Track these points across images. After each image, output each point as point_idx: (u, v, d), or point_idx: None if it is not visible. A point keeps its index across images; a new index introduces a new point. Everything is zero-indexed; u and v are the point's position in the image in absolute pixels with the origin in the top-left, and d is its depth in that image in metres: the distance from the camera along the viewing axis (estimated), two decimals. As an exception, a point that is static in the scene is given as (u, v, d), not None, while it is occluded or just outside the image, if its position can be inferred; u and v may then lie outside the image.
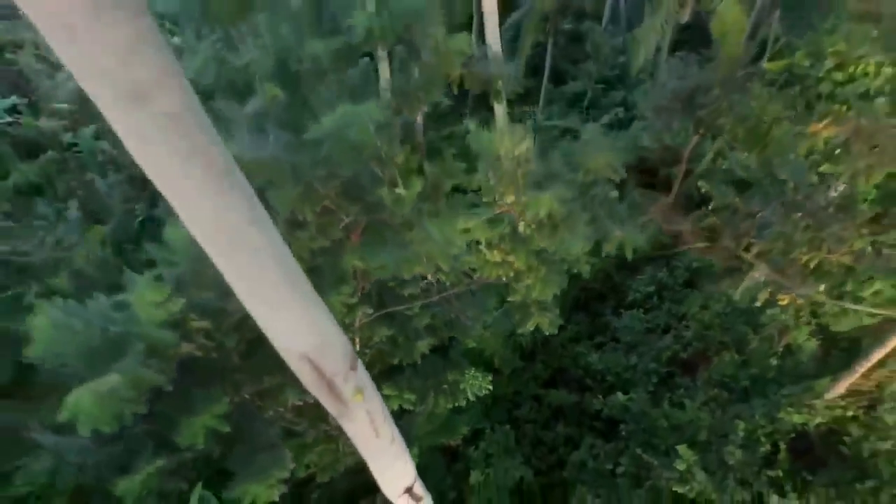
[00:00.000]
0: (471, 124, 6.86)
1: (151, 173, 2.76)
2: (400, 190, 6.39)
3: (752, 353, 10.57)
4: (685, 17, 25.77)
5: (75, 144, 16.33)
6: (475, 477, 11.95)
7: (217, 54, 9.21)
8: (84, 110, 17.28)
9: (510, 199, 6.50)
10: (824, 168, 8.75)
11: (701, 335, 14.21)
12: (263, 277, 3.35)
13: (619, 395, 10.80)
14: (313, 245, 6.65)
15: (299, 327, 3.77)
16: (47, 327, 4.92)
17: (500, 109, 15.14)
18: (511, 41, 28.81)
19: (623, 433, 10.66)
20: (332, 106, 6.28)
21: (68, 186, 13.42)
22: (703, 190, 15.25)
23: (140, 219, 11.75)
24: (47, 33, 2.18)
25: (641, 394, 11.24)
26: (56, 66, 19.13)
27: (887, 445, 7.89)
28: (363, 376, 4.47)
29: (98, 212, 12.21)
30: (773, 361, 10.08)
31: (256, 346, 6.20)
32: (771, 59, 16.55)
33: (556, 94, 35.96)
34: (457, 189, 8.05)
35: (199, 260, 5.42)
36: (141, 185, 12.76)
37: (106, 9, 2.12)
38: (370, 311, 7.62)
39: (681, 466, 8.31)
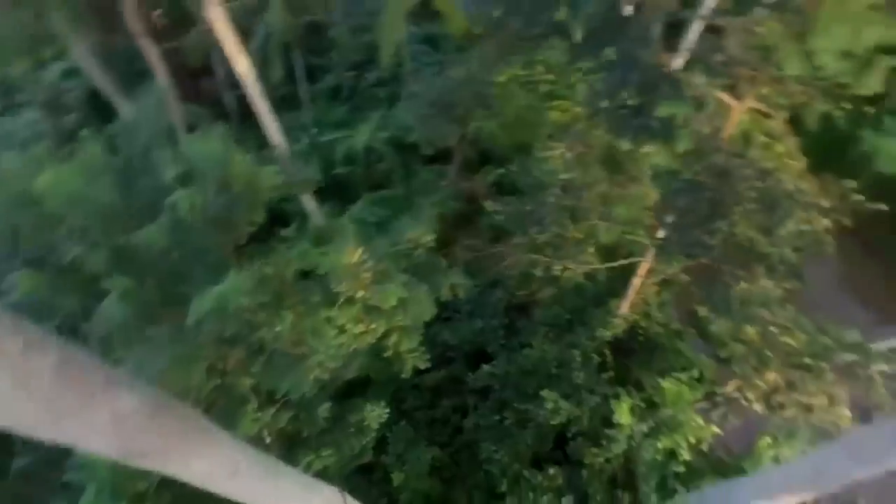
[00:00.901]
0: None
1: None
2: (278, 327, 7.44)
3: (565, 290, 13.57)
4: None
5: None
6: (397, 478, 13.49)
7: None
8: None
9: (360, 293, 7.87)
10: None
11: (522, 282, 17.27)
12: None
13: (484, 367, 13.04)
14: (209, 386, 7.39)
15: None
16: None
17: (310, 204, 15.99)
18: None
19: (497, 392, 13.02)
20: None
21: None
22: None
23: None
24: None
25: (500, 359, 13.64)
26: None
27: (660, 331, 11.56)
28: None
29: None
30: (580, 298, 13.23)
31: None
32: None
33: (315, 92, 36.50)
34: (305, 275, 9.17)
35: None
36: None
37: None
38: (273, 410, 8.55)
39: (549, 406, 10.89)
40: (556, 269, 10.92)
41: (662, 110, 6.63)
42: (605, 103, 5.90)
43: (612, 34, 6.90)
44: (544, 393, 10.83)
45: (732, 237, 7.60)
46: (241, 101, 23.35)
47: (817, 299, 9.59)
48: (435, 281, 8.37)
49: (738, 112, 7.51)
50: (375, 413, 10.79)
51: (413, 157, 25.44)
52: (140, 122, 8.00)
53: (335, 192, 26.21)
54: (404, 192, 23.94)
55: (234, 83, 22.60)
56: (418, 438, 14.24)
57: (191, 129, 25.81)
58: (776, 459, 10.11)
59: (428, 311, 8.26)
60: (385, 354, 8.88)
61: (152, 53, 13.46)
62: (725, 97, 7.39)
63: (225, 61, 21.97)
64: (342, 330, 8.63)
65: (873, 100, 18.67)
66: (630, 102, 5.82)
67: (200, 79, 34.53)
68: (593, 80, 8.00)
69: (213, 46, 27.11)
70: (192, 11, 19.80)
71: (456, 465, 14.76)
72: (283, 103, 34.44)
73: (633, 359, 11.94)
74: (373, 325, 8.49)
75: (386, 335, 8.47)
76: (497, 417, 12.98)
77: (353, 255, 7.77)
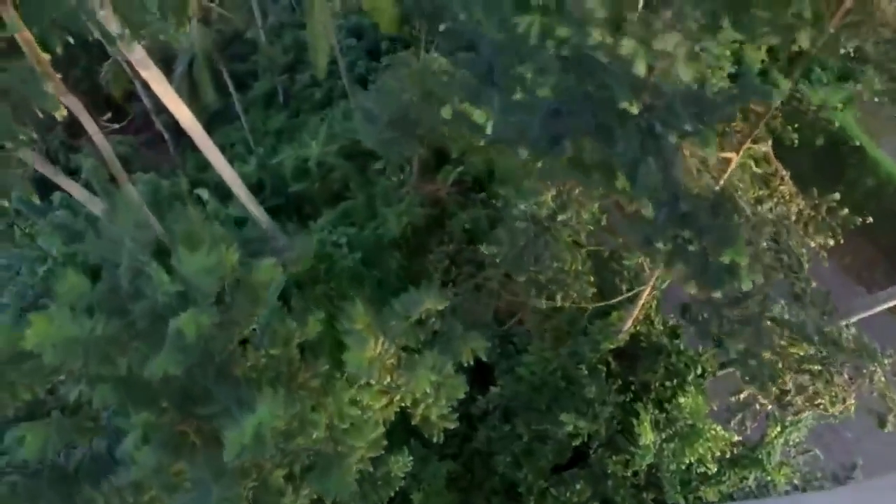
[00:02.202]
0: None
1: None
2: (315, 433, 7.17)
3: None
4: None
5: None
6: (417, 498, 13.51)
7: None
8: None
9: (387, 380, 7.61)
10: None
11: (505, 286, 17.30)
12: None
13: (492, 390, 13.07)
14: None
15: None
16: None
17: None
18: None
19: (510, 410, 13.12)
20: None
21: None
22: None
23: None
24: None
25: (501, 368, 13.69)
26: None
27: (663, 340, 11.95)
28: None
29: None
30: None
31: None
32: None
33: (247, 101, 34.89)
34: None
35: None
36: None
37: None
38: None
39: (569, 429, 11.08)
40: (558, 300, 10.96)
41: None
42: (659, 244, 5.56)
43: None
44: (563, 417, 10.99)
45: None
46: (173, 123, 21.99)
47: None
48: (454, 348, 8.22)
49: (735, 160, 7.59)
50: (400, 464, 10.69)
51: (367, 162, 24.78)
52: (119, 238, 7.31)
53: (293, 209, 25.31)
54: (364, 201, 23.32)
55: (162, 106, 21.17)
56: (430, 454, 14.25)
57: (124, 160, 24.25)
58: (786, 444, 10.75)
59: (461, 389, 8.13)
60: (413, 422, 8.74)
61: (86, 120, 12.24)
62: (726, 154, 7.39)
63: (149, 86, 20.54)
64: (366, 408, 8.42)
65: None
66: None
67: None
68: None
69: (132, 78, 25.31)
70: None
71: (470, 473, 14.95)
72: (217, 117, 32.75)
73: (638, 364, 12.25)
74: (398, 398, 8.32)
75: (414, 404, 8.31)
76: (508, 428, 13.11)
77: (375, 347, 7.49)
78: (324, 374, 9.06)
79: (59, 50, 10.16)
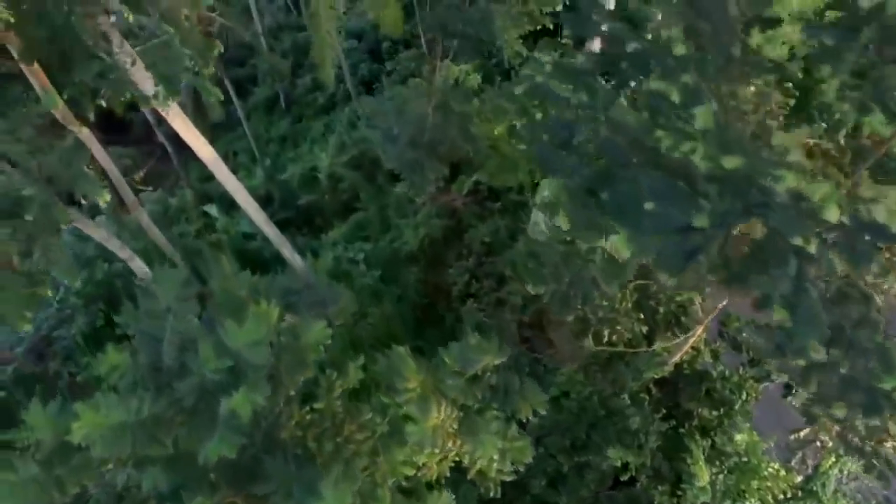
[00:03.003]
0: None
1: None
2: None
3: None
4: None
5: None
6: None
7: None
8: None
9: (449, 445, 7.22)
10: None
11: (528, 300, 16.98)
12: None
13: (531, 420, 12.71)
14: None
15: None
16: None
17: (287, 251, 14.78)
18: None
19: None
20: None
21: None
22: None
23: None
24: None
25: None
26: None
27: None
28: None
29: None
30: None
31: None
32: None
33: (248, 107, 34.34)
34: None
35: None
36: None
37: None
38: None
39: (617, 463, 10.76)
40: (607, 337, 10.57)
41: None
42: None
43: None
44: (612, 453, 10.67)
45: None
46: (174, 135, 21.41)
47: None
48: (513, 404, 7.85)
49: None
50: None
51: (376, 172, 24.24)
52: (158, 311, 6.85)
53: (303, 222, 24.81)
54: (377, 212, 22.85)
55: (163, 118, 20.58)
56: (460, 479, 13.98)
57: (125, 172, 23.65)
58: (840, 472, 10.49)
59: (529, 453, 7.75)
60: (468, 476, 8.37)
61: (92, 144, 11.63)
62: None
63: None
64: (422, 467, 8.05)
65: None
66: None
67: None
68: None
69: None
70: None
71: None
72: (218, 125, 32.04)
73: (680, 391, 11.94)
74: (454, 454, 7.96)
75: (472, 462, 7.95)
76: (541, 450, 12.75)
77: (438, 415, 7.09)
78: (369, 424, 8.68)
79: (91, 117, 9.65)
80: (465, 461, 7.84)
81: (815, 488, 10.33)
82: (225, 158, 21.55)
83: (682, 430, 11.80)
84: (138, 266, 12.73)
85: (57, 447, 6.00)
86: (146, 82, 9.10)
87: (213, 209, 22.41)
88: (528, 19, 15.50)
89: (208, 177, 23.59)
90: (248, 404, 6.35)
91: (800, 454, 9.70)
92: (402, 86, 24.48)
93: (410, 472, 8.07)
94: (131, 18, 8.15)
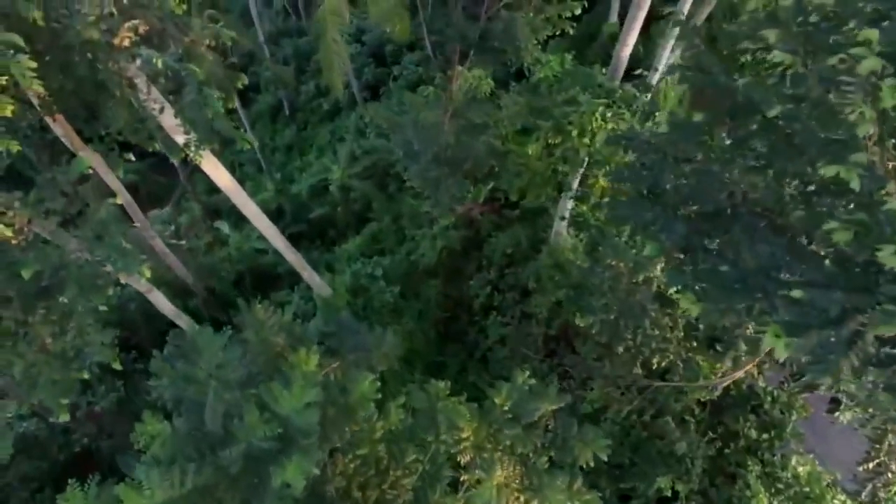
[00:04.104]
0: None
1: None
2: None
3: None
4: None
5: None
6: None
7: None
8: None
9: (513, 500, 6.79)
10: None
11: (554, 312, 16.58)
12: None
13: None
14: None
15: None
16: None
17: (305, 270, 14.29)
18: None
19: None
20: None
21: None
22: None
23: None
24: None
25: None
26: None
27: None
28: None
29: None
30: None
31: None
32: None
33: (253, 115, 33.99)
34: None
35: None
36: None
37: None
38: None
39: (667, 491, 10.36)
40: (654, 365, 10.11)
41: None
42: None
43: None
44: (661, 482, 10.25)
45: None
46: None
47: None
48: (572, 451, 7.40)
49: None
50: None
51: (386, 181, 23.76)
52: (196, 376, 6.39)
53: (316, 234, 24.35)
54: (391, 222, 22.37)
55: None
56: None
57: (133, 188, 23.19)
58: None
59: None
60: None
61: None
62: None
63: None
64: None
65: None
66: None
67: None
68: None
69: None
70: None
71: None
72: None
73: (726, 412, 11.50)
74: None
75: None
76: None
77: (502, 472, 6.63)
78: (412, 466, 8.27)
79: (120, 174, 9.16)
80: (523, 511, 7.40)
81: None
82: (231, 169, 21.10)
83: (726, 451, 11.38)
84: (159, 300, 12.29)
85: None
86: (177, 130, 8.62)
87: (224, 226, 21.94)
88: (549, 25, 15.06)
89: (215, 188, 23.20)
90: (300, 474, 5.92)
91: (870, 486, 9.23)
92: (411, 92, 24.04)
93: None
94: (160, 64, 7.60)
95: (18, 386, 7.19)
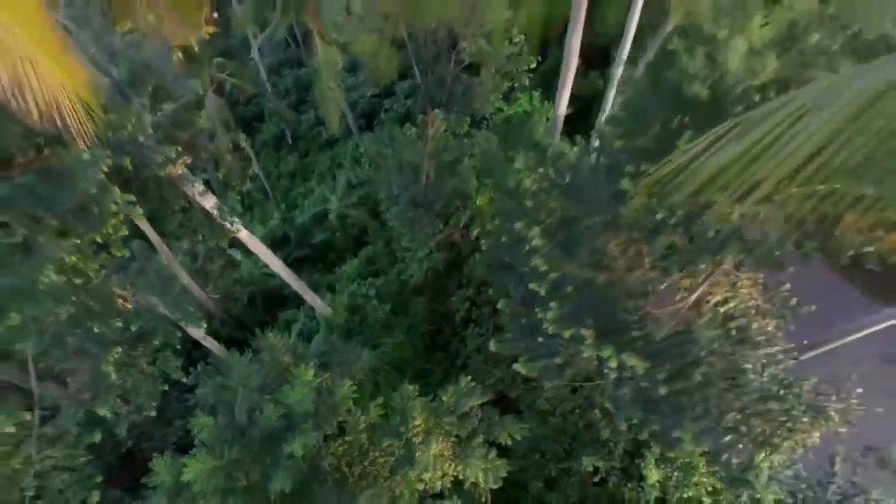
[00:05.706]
0: None
1: None
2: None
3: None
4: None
5: None
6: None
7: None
8: None
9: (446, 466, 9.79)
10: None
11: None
12: None
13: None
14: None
15: None
16: None
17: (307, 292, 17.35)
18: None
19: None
20: None
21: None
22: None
23: None
24: None
25: (531, 415, 15.79)
26: None
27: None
28: None
29: None
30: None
31: None
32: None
33: (257, 144, 36.79)
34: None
35: None
36: None
37: None
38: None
39: (591, 469, 13.27)
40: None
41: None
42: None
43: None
44: (585, 461, 13.14)
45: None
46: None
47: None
48: (493, 432, 10.32)
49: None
50: None
51: (381, 209, 26.79)
52: (228, 384, 9.42)
53: (318, 258, 27.40)
54: (384, 246, 25.37)
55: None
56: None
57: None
58: (771, 467, 12.80)
59: (504, 469, 10.21)
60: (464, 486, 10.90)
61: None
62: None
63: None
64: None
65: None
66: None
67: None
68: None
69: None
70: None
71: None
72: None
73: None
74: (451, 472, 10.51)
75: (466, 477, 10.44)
76: (538, 457, 15.25)
77: (437, 446, 9.57)
78: (388, 449, 11.19)
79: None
80: (461, 477, 10.36)
81: (750, 479, 12.65)
82: (240, 197, 24.02)
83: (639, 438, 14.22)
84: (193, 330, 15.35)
85: (174, 485, 8.58)
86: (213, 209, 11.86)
87: (237, 254, 24.99)
88: (508, 80, 17.84)
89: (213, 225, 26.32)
90: (301, 447, 8.90)
91: (725, 456, 12.02)
92: (399, 126, 27.04)
93: (420, 486, 10.60)
94: (200, 185, 10.85)
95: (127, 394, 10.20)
